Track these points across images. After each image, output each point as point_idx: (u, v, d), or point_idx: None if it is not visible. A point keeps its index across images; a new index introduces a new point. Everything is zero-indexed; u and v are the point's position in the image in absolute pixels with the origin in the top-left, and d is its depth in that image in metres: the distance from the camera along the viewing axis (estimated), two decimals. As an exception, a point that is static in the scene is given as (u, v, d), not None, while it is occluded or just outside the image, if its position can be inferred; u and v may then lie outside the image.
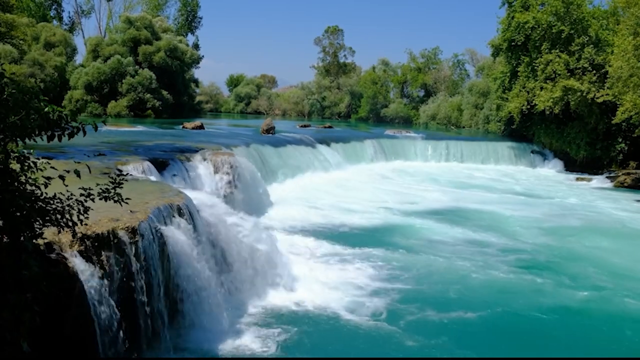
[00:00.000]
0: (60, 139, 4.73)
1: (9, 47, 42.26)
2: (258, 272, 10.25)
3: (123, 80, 48.06)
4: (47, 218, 4.80)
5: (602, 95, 29.34)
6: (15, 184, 4.55)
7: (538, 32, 33.13)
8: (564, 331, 9.61)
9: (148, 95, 48.41)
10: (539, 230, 16.87)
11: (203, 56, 65.08)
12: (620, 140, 32.10)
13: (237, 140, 23.40)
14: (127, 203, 5.48)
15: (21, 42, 42.57)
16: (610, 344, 9.21)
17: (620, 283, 11.95)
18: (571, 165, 33.93)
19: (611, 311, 10.46)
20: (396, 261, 12.77)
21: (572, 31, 32.52)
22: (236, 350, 8.12)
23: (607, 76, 28.75)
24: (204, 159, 16.46)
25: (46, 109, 4.60)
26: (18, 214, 4.52)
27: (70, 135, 4.75)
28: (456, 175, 29.68)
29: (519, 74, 35.15)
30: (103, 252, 6.77)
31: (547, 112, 32.63)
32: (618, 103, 27.57)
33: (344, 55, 77.84)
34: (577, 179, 30.41)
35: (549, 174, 32.72)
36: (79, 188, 5.20)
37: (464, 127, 54.19)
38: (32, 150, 4.82)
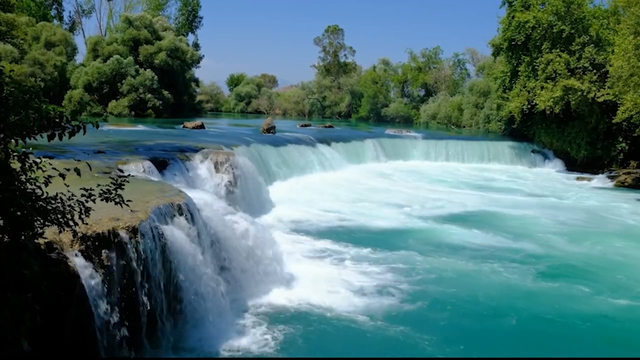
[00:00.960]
0: (60, 138, 4.72)
1: (9, 47, 42.26)
2: (258, 271, 10.25)
3: (124, 81, 48.07)
4: (48, 217, 4.79)
5: (603, 95, 29.32)
6: (16, 183, 4.54)
7: (538, 31, 33.10)
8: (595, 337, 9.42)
9: (149, 95, 48.44)
10: (554, 233, 16.66)
11: (203, 56, 65.06)
12: (620, 139, 32.07)
13: (237, 139, 23.39)
14: (128, 205, 5.47)
15: (21, 41, 42.56)
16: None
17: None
18: (572, 165, 33.91)
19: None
20: (400, 262, 12.72)
21: (572, 31, 32.50)
22: (236, 350, 8.11)
23: (608, 76, 28.72)
24: (205, 159, 16.46)
25: (45, 107, 4.59)
26: (18, 213, 4.51)
27: (71, 134, 4.74)
28: (457, 175, 29.69)
29: (519, 73, 35.12)
30: (104, 252, 6.77)
31: (548, 112, 32.61)
32: (618, 102, 27.53)
33: (344, 55, 77.83)
34: (578, 178, 30.39)
35: (550, 174, 32.69)
36: (80, 188, 5.20)
37: (464, 127, 54.17)
38: (31, 149, 4.81)
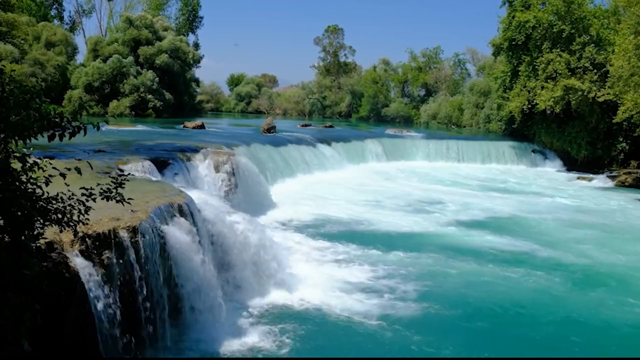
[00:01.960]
0: (61, 139, 4.73)
1: (10, 47, 42.27)
2: (258, 271, 10.25)
3: (125, 81, 48.08)
4: (49, 217, 4.80)
5: (603, 95, 29.31)
6: (16, 183, 4.54)
7: (539, 31, 33.09)
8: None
9: (149, 96, 48.45)
10: (564, 235, 16.57)
11: (203, 55, 65.00)
12: (621, 139, 32.08)
13: (237, 139, 23.40)
14: (129, 203, 5.47)
15: (22, 41, 42.58)
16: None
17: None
18: (572, 165, 33.91)
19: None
20: (403, 263, 12.70)
21: (573, 30, 32.49)
22: (236, 350, 8.12)
23: (608, 75, 28.71)
24: (205, 159, 16.47)
25: (46, 107, 4.60)
26: (19, 213, 4.51)
27: (71, 135, 4.75)
28: (458, 175, 29.66)
29: (519, 73, 35.11)
30: (104, 252, 6.77)
31: (548, 112, 32.60)
32: (619, 102, 27.54)
33: (345, 55, 77.82)
34: (578, 178, 30.38)
35: (550, 174, 32.67)
36: (81, 188, 5.20)
37: (464, 127, 54.15)
38: (31, 149, 4.82)
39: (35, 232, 4.77)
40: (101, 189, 5.30)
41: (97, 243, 6.70)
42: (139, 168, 13.28)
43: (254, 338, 8.45)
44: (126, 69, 48.37)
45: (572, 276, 12.39)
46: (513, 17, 34.44)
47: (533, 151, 35.76)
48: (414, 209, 19.31)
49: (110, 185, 5.35)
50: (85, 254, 6.46)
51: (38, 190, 4.73)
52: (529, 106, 33.83)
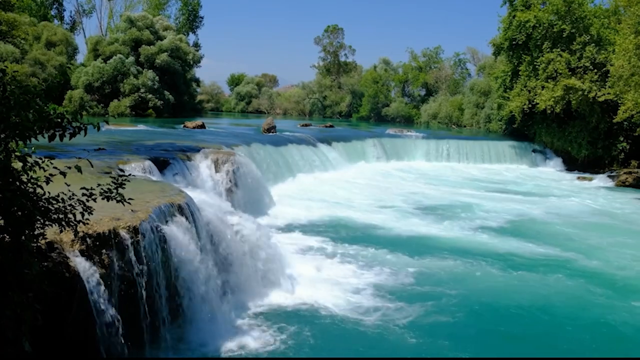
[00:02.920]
0: (61, 139, 4.73)
1: (11, 47, 42.28)
2: (259, 271, 10.26)
3: (125, 81, 48.10)
4: (49, 217, 4.80)
5: (604, 94, 29.27)
6: (17, 183, 4.55)
7: (539, 31, 33.08)
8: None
9: (150, 95, 48.48)
10: (575, 236, 16.41)
11: (204, 55, 65.11)
12: (621, 139, 32.06)
13: (238, 139, 23.41)
14: (129, 203, 5.48)
15: (22, 41, 42.57)
16: None
17: None
18: (572, 164, 33.88)
19: None
20: (405, 264, 12.66)
21: (573, 30, 32.47)
22: (236, 350, 8.12)
23: (609, 75, 28.69)
24: (205, 158, 16.47)
25: (49, 106, 4.60)
26: (20, 213, 4.52)
27: (72, 135, 4.76)
28: (459, 174, 29.66)
29: (520, 73, 35.10)
30: (104, 252, 6.78)
31: (549, 111, 32.58)
32: (619, 102, 27.51)
33: (345, 55, 77.96)
34: (579, 178, 30.36)
35: (551, 173, 32.65)
36: (81, 188, 5.20)
37: (465, 127, 54.14)
38: (33, 149, 4.82)
39: (36, 232, 4.78)
40: (102, 189, 5.30)
41: (97, 243, 6.70)
42: (139, 168, 13.29)
43: (253, 338, 8.45)
44: (127, 69, 48.40)
45: (596, 280, 12.13)
46: (513, 16, 34.42)
47: (533, 151, 35.74)
48: (415, 208, 19.29)
49: (111, 186, 5.36)
50: (85, 253, 6.47)
51: (39, 190, 4.74)
52: (530, 106, 33.82)
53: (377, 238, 14.84)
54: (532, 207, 20.65)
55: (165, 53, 50.97)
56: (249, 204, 15.85)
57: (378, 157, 31.75)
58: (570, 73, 32.05)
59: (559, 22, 32.61)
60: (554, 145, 35.15)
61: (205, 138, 23.18)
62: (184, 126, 31.69)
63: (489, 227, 16.88)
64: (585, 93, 30.86)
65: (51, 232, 5.57)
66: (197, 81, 63.91)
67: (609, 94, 28.58)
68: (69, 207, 5.02)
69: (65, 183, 5.00)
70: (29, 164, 4.63)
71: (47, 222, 4.83)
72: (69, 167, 4.91)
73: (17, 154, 4.59)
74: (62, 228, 4.98)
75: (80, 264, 6.29)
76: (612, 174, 29.81)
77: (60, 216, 4.90)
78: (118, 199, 5.34)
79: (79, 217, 5.14)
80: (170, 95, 50.68)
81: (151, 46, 50.94)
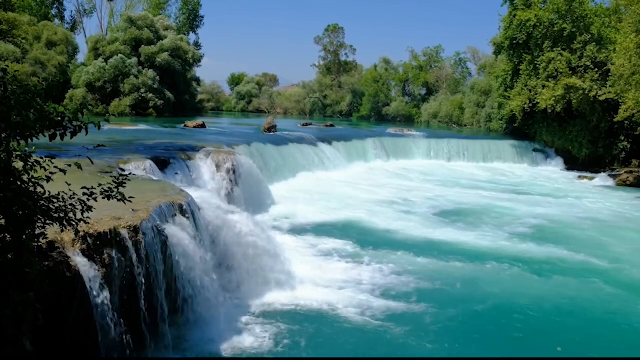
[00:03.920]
0: (62, 138, 4.73)
1: (11, 47, 42.29)
2: (259, 271, 10.26)
3: (126, 81, 48.12)
4: (50, 217, 4.80)
5: (605, 94, 29.26)
6: (18, 182, 4.55)
7: (540, 30, 33.06)
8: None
9: (150, 95, 48.49)
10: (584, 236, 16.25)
11: (204, 55, 65.10)
12: (622, 138, 32.04)
13: (238, 138, 23.41)
14: (130, 202, 5.47)
15: (23, 41, 42.59)
16: None
17: None
18: (573, 164, 33.86)
19: None
20: (408, 264, 12.63)
21: (574, 29, 32.45)
22: (237, 350, 8.12)
23: (610, 74, 28.67)
24: (206, 158, 16.47)
25: (49, 105, 4.60)
26: (20, 212, 4.52)
27: (73, 135, 4.75)
28: (460, 174, 29.65)
29: (521, 72, 35.09)
30: (105, 251, 6.78)
31: (549, 111, 32.57)
32: (620, 101, 27.49)
33: (345, 54, 77.91)
34: (580, 177, 30.36)
35: (551, 173, 32.64)
36: (82, 188, 5.20)
37: (465, 126, 54.11)
38: (34, 148, 4.82)
39: (37, 232, 4.78)
40: (102, 188, 5.30)
41: (98, 242, 6.70)
42: (140, 167, 13.30)
43: (254, 337, 8.45)
44: (127, 69, 48.41)
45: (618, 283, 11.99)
46: (514, 15, 34.40)
47: (534, 150, 35.73)
48: (416, 207, 19.29)
49: (112, 185, 5.36)
50: (86, 253, 6.46)
51: (39, 190, 4.74)
52: (530, 105, 33.80)
53: (378, 237, 14.83)
54: (542, 208, 20.38)
55: (166, 53, 50.97)
56: (250, 203, 15.85)
57: (379, 156, 31.73)
58: (571, 72, 32.03)
59: (560, 21, 32.59)
60: (554, 145, 35.14)
61: (205, 137, 23.18)
62: (185, 126, 31.69)
63: (491, 226, 16.88)
64: (586, 92, 30.84)
65: (52, 231, 5.57)
66: (198, 81, 63.90)
67: (609, 93, 28.57)
68: (69, 207, 5.01)
69: (66, 182, 5.00)
70: (30, 164, 4.63)
71: (47, 222, 4.82)
72: (69, 165, 4.91)
73: (18, 153, 4.59)
74: (63, 227, 4.98)
75: (81, 263, 6.29)
76: (613, 173, 29.79)
77: (61, 215, 4.89)
78: (119, 197, 5.34)
79: (79, 216, 5.13)
80: (171, 95, 50.68)
81: (152, 46, 50.94)
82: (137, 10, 64.08)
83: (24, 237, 4.59)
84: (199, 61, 59.96)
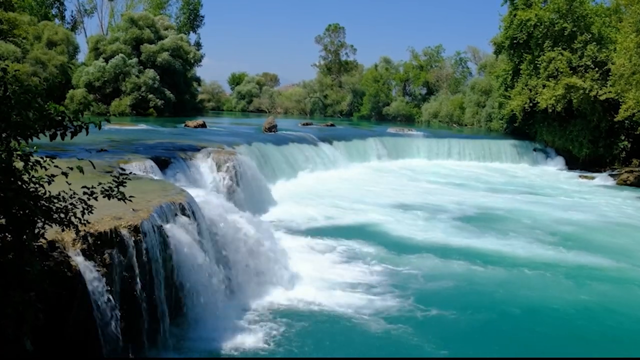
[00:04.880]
0: (62, 138, 4.73)
1: (12, 47, 42.26)
2: (260, 270, 10.26)
3: (126, 80, 48.12)
4: (50, 216, 4.81)
5: (605, 93, 29.27)
6: (18, 182, 4.55)
7: (540, 29, 33.04)
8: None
9: (151, 95, 48.49)
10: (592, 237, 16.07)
11: (205, 55, 65.07)
12: (623, 138, 32.03)
13: (239, 138, 23.40)
14: (130, 201, 5.47)
15: (23, 40, 42.56)
16: None
17: None
18: (573, 163, 33.84)
19: None
20: (402, 263, 12.64)
21: (574, 28, 32.44)
22: (237, 349, 8.12)
23: (610, 74, 28.66)
24: (207, 158, 16.48)
25: (49, 105, 4.61)
26: (21, 212, 4.53)
27: (73, 135, 4.75)
28: (458, 173, 29.63)
29: (521, 71, 35.08)
30: (105, 251, 6.78)
31: (550, 110, 32.56)
32: (621, 101, 27.49)
33: (346, 54, 77.81)
34: (580, 177, 30.34)
35: (552, 172, 32.62)
36: (82, 187, 5.20)
37: (466, 125, 54.08)
38: (35, 148, 4.83)
39: (37, 231, 4.78)
40: (102, 187, 5.31)
41: (98, 242, 6.70)
42: (140, 167, 13.30)
43: (254, 337, 8.45)
44: (128, 68, 48.41)
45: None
46: (514, 15, 34.39)
47: (534, 150, 35.71)
48: (416, 205, 19.28)
49: (112, 184, 5.36)
50: (86, 253, 6.46)
51: (40, 189, 4.74)
52: (531, 105, 33.79)
53: (379, 237, 14.80)
54: (549, 209, 20.27)
55: (166, 52, 50.96)
56: (250, 203, 15.85)
57: (379, 156, 31.73)
58: (571, 72, 32.02)
59: (560, 21, 32.58)
60: (555, 144, 35.12)
61: (206, 137, 23.17)
62: (185, 125, 31.69)
63: (492, 227, 16.89)
64: (587, 92, 30.83)
65: (52, 231, 5.58)
66: (198, 80, 63.88)
67: (610, 92, 28.57)
68: (70, 206, 5.02)
69: (67, 182, 5.00)
70: (31, 163, 4.63)
71: (48, 221, 4.83)
72: (71, 168, 4.91)
73: (19, 153, 4.59)
74: (64, 227, 4.98)
75: (82, 263, 6.29)
76: (614, 173, 29.80)
77: (62, 215, 4.90)
78: (119, 197, 5.34)
79: (80, 215, 5.13)
80: (171, 95, 50.67)
81: (152, 45, 50.93)
82: (137, 9, 64.10)
83: (25, 236, 4.59)
84: (200, 61, 59.96)
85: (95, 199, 5.22)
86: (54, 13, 62.96)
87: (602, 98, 29.77)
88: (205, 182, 15.57)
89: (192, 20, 70.24)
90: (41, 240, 5.07)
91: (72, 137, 4.78)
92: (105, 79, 47.76)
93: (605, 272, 12.77)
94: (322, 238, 14.33)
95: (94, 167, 5.83)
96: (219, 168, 16.20)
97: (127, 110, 47.23)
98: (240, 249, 10.15)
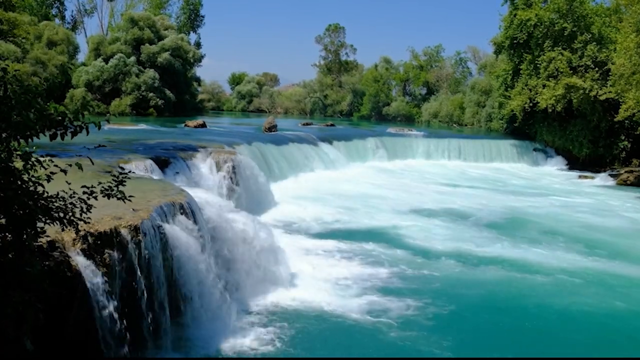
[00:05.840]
0: (62, 138, 4.74)
1: (12, 46, 42.26)
2: (259, 270, 10.25)
3: (126, 80, 48.13)
4: (50, 216, 4.81)
5: (605, 93, 29.27)
6: (18, 182, 4.55)
7: (540, 29, 33.05)
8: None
9: (151, 95, 48.52)
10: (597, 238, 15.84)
11: (205, 54, 65.06)
12: (623, 138, 32.04)
13: (239, 138, 23.40)
14: (130, 200, 5.47)
15: (23, 40, 42.55)
16: None
17: None
18: (573, 163, 33.84)
19: None
20: (407, 264, 12.60)
21: (574, 28, 32.45)
22: (237, 349, 8.12)
23: (610, 74, 28.67)
24: (207, 157, 16.47)
25: (50, 105, 4.61)
26: (21, 212, 4.53)
27: (73, 135, 4.75)
28: (458, 172, 29.64)
29: (521, 71, 35.08)
30: (106, 251, 6.78)
31: (550, 110, 32.57)
32: (621, 101, 27.51)
33: (346, 54, 77.88)
34: (580, 177, 30.33)
35: (552, 172, 32.60)
36: (82, 187, 5.21)
37: (466, 125, 54.09)
38: (34, 148, 4.83)
39: (37, 231, 4.78)
40: (102, 187, 5.31)
41: (98, 242, 6.70)
42: (140, 167, 13.30)
43: (254, 337, 8.45)
44: (128, 68, 48.44)
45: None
46: (515, 15, 34.40)
47: (534, 150, 35.71)
48: (418, 205, 19.28)
49: (112, 184, 5.36)
50: (86, 252, 6.46)
51: (40, 189, 4.74)
52: (531, 105, 33.80)
53: (379, 237, 14.79)
54: (552, 209, 20.20)
55: (167, 52, 50.99)
56: (250, 202, 15.85)
57: (379, 155, 31.72)
58: (571, 72, 32.03)
59: (560, 21, 32.58)
60: (555, 144, 35.13)
61: (206, 137, 23.16)
62: (185, 125, 31.70)
63: (493, 224, 16.88)
64: (587, 92, 30.84)
65: (52, 231, 5.58)
66: (198, 80, 63.91)
67: (610, 92, 28.58)
68: (70, 206, 5.02)
69: (66, 181, 5.00)
70: (30, 163, 4.63)
71: (48, 221, 4.83)
72: (70, 165, 4.91)
73: (19, 153, 4.59)
74: (64, 227, 4.98)
75: (82, 263, 6.29)
76: (614, 173, 29.79)
77: (62, 215, 4.90)
78: (119, 196, 5.34)
79: (79, 215, 5.13)
80: (171, 95, 50.70)
81: (152, 45, 50.98)
82: (137, 9, 64.12)
83: (25, 236, 4.60)
84: (200, 61, 60.01)
85: (95, 198, 5.22)
86: (54, 13, 62.98)
87: (602, 98, 29.78)
88: (206, 182, 15.56)
89: (192, 20, 70.27)
90: (41, 240, 5.06)
91: (72, 137, 4.78)
92: (105, 78, 47.82)
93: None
94: (322, 238, 14.34)
95: (92, 163, 5.80)
96: (219, 168, 16.20)
97: (127, 110, 47.26)
98: (240, 248, 10.15)
